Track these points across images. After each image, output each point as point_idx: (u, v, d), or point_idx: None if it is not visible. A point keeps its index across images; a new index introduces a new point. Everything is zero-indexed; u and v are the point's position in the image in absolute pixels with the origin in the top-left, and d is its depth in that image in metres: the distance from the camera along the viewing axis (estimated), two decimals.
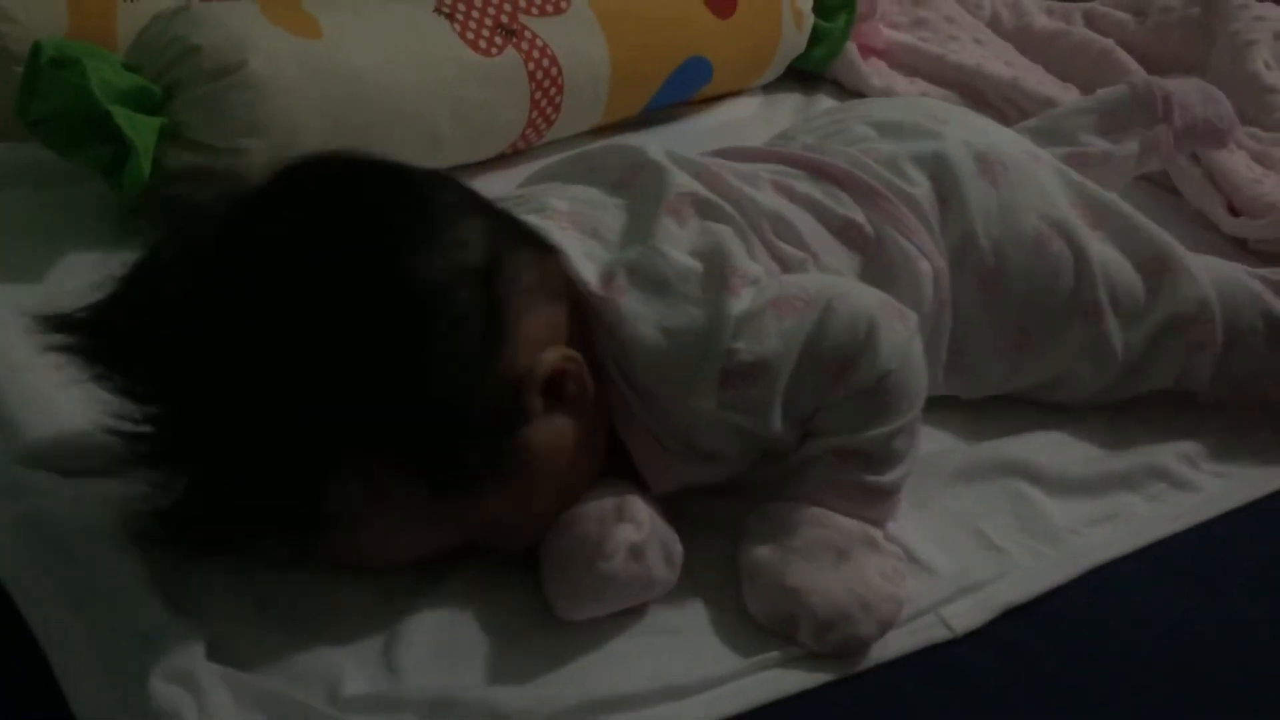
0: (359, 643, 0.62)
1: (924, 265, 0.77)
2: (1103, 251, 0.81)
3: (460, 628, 0.63)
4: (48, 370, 0.68)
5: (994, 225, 0.79)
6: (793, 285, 0.70)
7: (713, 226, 0.70)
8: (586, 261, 0.67)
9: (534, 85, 1.01)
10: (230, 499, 0.60)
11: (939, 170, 0.80)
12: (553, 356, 0.63)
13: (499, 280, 0.62)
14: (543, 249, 0.67)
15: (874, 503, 0.69)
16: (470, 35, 0.99)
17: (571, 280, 0.67)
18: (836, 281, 0.72)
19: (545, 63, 1.02)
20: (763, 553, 0.66)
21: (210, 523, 0.62)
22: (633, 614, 0.65)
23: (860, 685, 0.63)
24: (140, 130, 0.83)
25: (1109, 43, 1.24)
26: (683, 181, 0.72)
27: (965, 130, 0.84)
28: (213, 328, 0.58)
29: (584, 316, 0.67)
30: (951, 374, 0.80)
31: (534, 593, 0.65)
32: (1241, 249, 1.01)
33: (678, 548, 0.65)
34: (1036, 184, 0.81)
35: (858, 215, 0.77)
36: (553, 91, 1.03)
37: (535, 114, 1.03)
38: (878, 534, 0.68)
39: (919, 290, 0.76)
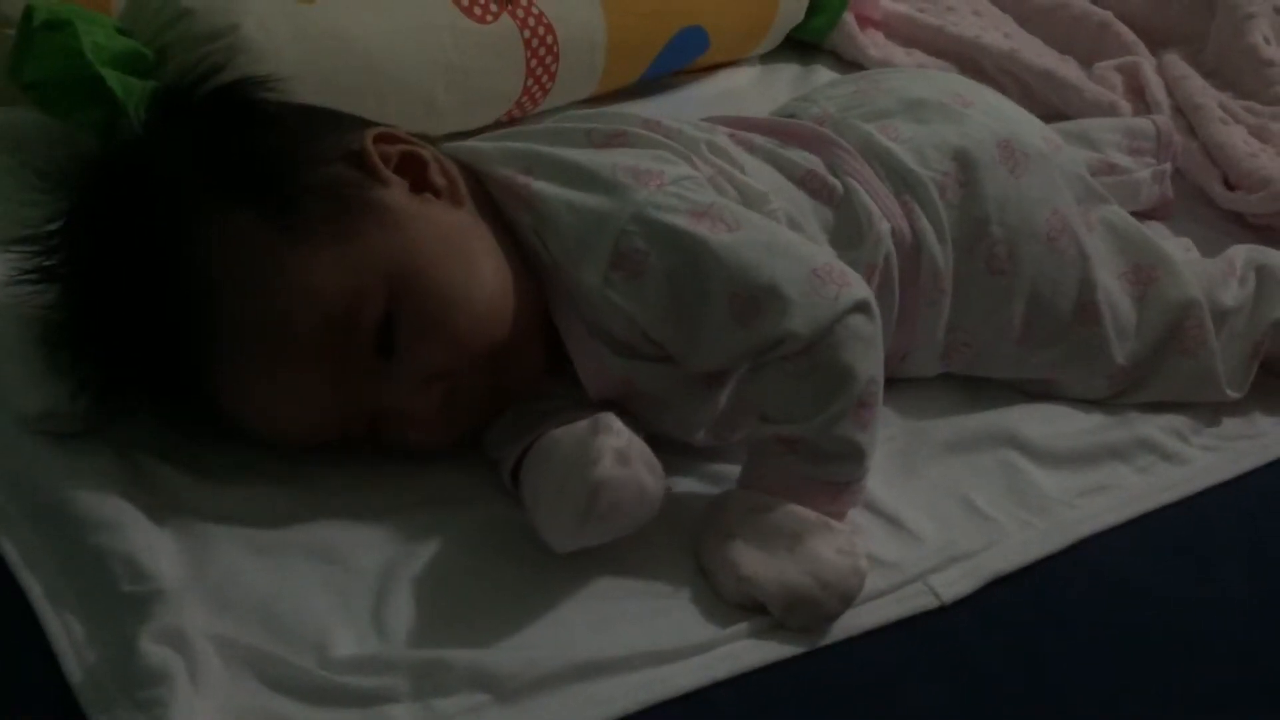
0: (348, 605, 0.62)
1: (884, 225, 0.76)
2: (1098, 249, 0.81)
3: (449, 590, 0.63)
4: (39, 333, 0.68)
5: (1009, 214, 0.79)
6: (728, 208, 0.70)
7: (641, 150, 0.73)
8: (502, 158, 0.73)
9: (529, 53, 1.00)
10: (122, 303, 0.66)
11: (960, 155, 0.80)
12: (376, 130, 0.71)
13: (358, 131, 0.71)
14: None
15: (829, 496, 0.67)
16: (465, 1, 0.98)
17: (494, 178, 0.72)
18: (785, 231, 0.72)
19: (541, 30, 1.01)
20: (715, 547, 0.66)
21: (111, 357, 0.66)
22: (623, 576, 0.65)
23: (848, 652, 0.63)
24: (133, 93, 0.83)
25: (1108, 15, 1.23)
26: (609, 127, 0.74)
27: (989, 114, 0.84)
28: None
29: (503, 206, 0.72)
30: (954, 358, 0.80)
31: (523, 556, 0.65)
32: (1238, 223, 1.01)
33: (656, 460, 0.65)
34: (1053, 177, 0.82)
35: (819, 168, 0.78)
36: (548, 60, 1.02)
37: (530, 82, 1.02)
38: (829, 519, 0.67)
39: (879, 249, 0.75)
